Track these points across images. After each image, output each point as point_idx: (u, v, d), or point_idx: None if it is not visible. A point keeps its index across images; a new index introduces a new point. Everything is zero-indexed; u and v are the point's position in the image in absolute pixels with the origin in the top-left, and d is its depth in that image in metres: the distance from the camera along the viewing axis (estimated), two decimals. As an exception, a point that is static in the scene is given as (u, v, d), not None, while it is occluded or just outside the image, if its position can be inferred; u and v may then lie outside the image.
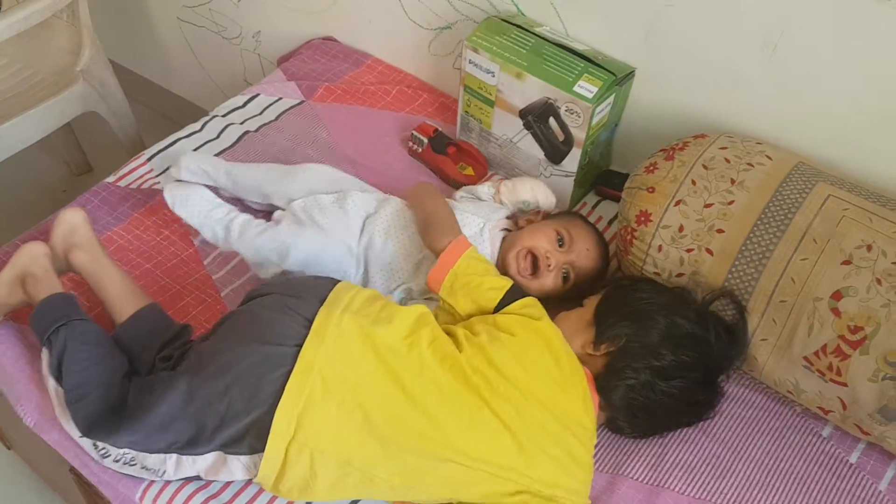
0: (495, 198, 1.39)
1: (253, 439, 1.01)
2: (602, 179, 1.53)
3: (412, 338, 1.06)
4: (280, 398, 1.00)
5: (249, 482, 1.10)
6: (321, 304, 1.09)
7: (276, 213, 1.37)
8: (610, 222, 1.48)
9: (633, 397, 1.07)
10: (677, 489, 1.11)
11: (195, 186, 1.37)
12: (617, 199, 1.51)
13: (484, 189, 1.41)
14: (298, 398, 1.00)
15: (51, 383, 1.10)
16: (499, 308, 1.15)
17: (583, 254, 1.27)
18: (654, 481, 1.11)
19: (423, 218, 1.27)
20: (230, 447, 1.03)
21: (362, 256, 1.31)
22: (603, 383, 1.09)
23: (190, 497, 1.09)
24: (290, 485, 1.02)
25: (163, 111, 2.53)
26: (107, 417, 1.06)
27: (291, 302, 1.09)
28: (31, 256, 1.21)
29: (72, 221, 1.27)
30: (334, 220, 1.31)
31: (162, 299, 1.33)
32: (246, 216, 1.34)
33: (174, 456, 1.05)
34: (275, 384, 1.01)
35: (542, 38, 1.41)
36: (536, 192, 1.37)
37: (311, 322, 1.06)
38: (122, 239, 1.43)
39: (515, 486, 1.02)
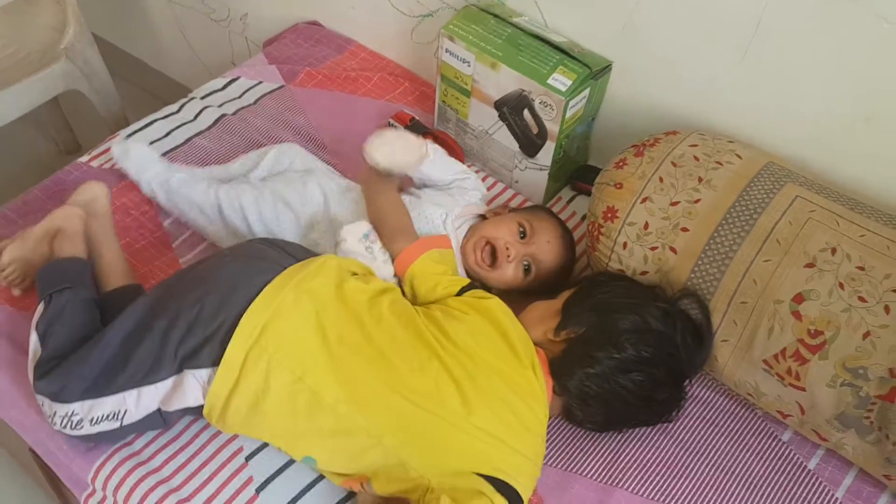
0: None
1: (216, 347, 1.02)
2: (578, 174, 1.52)
3: (376, 298, 1.09)
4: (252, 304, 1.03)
5: (200, 468, 1.10)
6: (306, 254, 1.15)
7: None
8: (583, 218, 1.47)
9: (588, 385, 1.06)
10: (630, 489, 1.10)
11: (138, 143, 1.44)
12: (590, 194, 1.50)
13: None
14: (270, 304, 1.03)
15: (33, 338, 1.11)
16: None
17: (543, 246, 1.26)
18: (607, 480, 1.11)
19: (376, 216, 1.25)
20: (191, 360, 1.03)
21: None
22: (559, 368, 1.08)
23: (142, 479, 1.09)
24: (239, 403, 1.01)
25: (151, 90, 2.52)
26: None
27: (274, 247, 1.15)
28: (67, 216, 1.25)
29: (95, 192, 1.32)
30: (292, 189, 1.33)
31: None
32: (185, 171, 1.40)
33: (135, 391, 1.04)
34: (251, 290, 1.04)
35: (519, 29, 1.40)
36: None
37: (294, 259, 1.11)
38: (93, 219, 1.42)
39: (459, 448, 1.00)
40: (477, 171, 1.54)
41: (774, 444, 1.15)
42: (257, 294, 1.03)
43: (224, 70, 2.24)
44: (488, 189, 1.51)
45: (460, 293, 1.15)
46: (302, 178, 1.36)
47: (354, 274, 1.13)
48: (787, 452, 1.15)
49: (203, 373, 1.03)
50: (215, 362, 1.01)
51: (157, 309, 1.06)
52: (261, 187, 1.34)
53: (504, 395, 1.02)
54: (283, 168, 1.43)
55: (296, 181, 1.35)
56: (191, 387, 1.03)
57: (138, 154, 1.41)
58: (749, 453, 1.14)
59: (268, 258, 1.10)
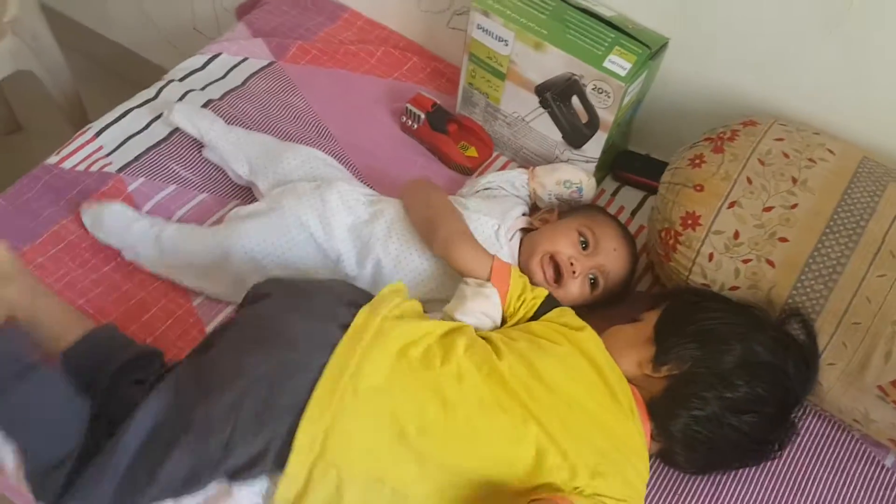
0: (531, 185, 1.23)
1: (268, 464, 0.85)
2: (621, 163, 1.37)
3: (447, 346, 0.92)
4: (303, 410, 0.84)
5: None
6: (347, 307, 0.93)
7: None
8: (633, 213, 1.33)
9: (696, 430, 0.93)
10: (733, 532, 0.99)
11: (109, 204, 1.18)
12: (637, 185, 1.36)
13: (515, 175, 1.24)
14: (326, 409, 0.84)
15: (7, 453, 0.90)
16: (535, 318, 1.02)
17: (611, 255, 1.13)
18: (708, 523, 1.00)
19: (428, 227, 1.10)
20: (238, 476, 0.86)
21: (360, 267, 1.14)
22: (661, 410, 0.95)
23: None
24: None
25: (101, 60, 2.24)
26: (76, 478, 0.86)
27: (307, 303, 0.94)
28: None
29: None
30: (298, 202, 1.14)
31: (124, 309, 1.14)
32: (176, 224, 1.17)
33: (170, 500, 0.86)
34: (296, 394, 0.85)
35: (565, 2, 1.22)
36: (579, 172, 1.23)
37: (341, 325, 0.90)
38: (72, 234, 1.21)
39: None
40: (507, 163, 1.39)
41: (879, 471, 1.06)
42: (305, 396, 0.84)
43: (185, 38, 2.02)
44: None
45: (542, 308, 1.01)
46: (318, 190, 1.16)
47: (400, 317, 0.94)
48: (892, 479, 1.05)
49: (257, 485, 0.86)
50: (271, 473, 0.85)
51: (180, 416, 0.85)
52: (267, 211, 1.15)
53: (609, 454, 0.89)
54: (288, 174, 1.23)
55: (310, 194, 1.16)
56: (241, 497, 0.86)
57: (111, 219, 1.16)
58: (853, 483, 1.05)
59: (308, 335, 0.90)
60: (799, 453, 1.07)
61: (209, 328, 1.12)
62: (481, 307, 1.00)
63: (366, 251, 1.12)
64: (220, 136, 1.27)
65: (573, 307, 1.10)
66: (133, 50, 2.17)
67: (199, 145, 1.32)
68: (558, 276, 1.11)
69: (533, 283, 1.11)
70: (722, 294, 1.05)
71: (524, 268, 1.13)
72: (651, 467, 1.02)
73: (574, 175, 1.23)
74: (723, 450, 0.95)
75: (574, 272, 1.10)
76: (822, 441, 1.09)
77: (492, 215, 1.16)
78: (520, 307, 1.02)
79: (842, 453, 1.08)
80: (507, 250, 1.13)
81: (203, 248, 1.14)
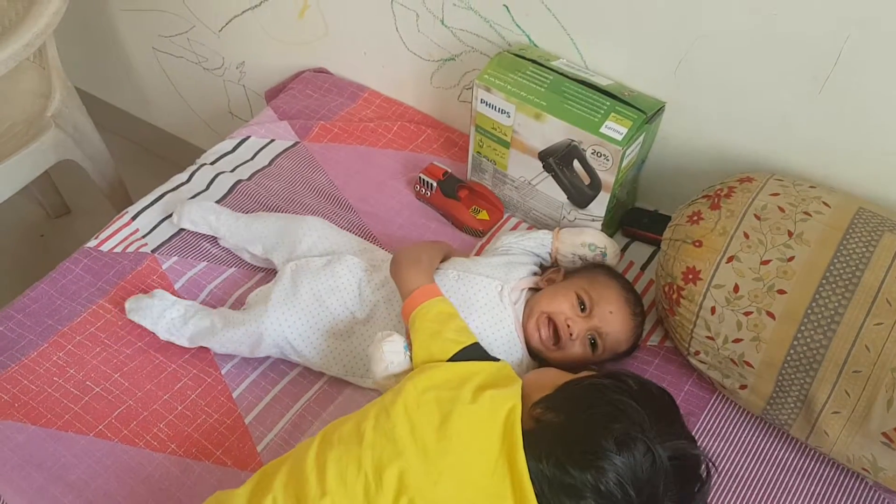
0: (554, 244, 1.28)
1: None
2: (629, 219, 1.41)
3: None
4: None
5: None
6: None
7: (250, 297, 1.26)
8: (643, 268, 1.36)
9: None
10: (749, 585, 1.00)
11: (149, 296, 1.25)
12: (646, 241, 1.40)
13: (542, 235, 1.29)
14: None
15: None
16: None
17: (606, 318, 1.14)
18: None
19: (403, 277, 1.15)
20: None
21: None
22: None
23: None
24: None
25: (143, 143, 2.38)
26: None
27: None
28: None
29: None
30: (320, 284, 1.21)
31: (157, 380, 1.21)
32: (206, 310, 1.23)
33: None
34: None
35: (561, 74, 1.29)
36: (603, 238, 1.27)
37: None
38: (109, 313, 1.29)
39: None
40: (518, 223, 1.44)
41: (895, 519, 1.06)
42: None
43: (221, 121, 2.15)
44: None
45: (461, 355, 1.02)
46: (330, 265, 1.23)
47: None
48: (909, 527, 1.05)
49: None
50: None
51: None
52: (289, 295, 1.20)
53: None
54: (305, 251, 1.29)
55: (323, 271, 1.22)
56: None
57: (149, 309, 1.23)
58: (869, 532, 1.04)
59: None
60: (813, 502, 1.07)
61: (235, 394, 1.18)
62: (383, 367, 1.06)
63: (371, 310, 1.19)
64: (229, 225, 1.35)
65: (581, 366, 1.13)
66: (172, 133, 2.31)
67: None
68: (557, 339, 1.14)
69: (530, 344, 1.14)
70: (637, 389, 0.97)
71: (525, 328, 1.16)
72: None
73: (599, 240, 1.26)
74: None
75: (571, 335, 1.13)
76: (836, 489, 1.08)
77: (494, 277, 1.18)
78: (434, 348, 1.03)
79: (856, 501, 1.07)
80: (510, 311, 1.16)
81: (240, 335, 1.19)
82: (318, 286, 1.20)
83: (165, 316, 1.21)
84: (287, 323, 1.17)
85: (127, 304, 1.24)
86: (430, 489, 0.89)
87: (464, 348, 1.04)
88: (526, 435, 0.91)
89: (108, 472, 1.10)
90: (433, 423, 0.92)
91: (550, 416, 0.94)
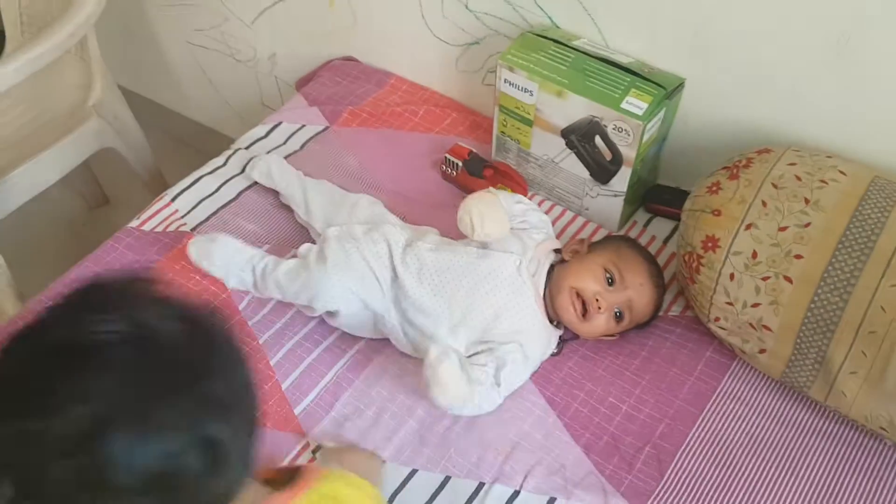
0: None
1: None
2: (651, 196, 1.45)
3: None
4: None
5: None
6: None
7: (302, 248, 1.29)
8: (665, 241, 1.40)
9: None
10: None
11: (217, 237, 1.31)
12: (668, 216, 1.43)
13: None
14: None
15: None
16: None
17: (637, 290, 1.18)
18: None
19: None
20: None
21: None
22: None
23: None
24: None
25: (179, 136, 2.45)
26: None
27: None
28: None
29: None
30: (364, 250, 1.23)
31: (197, 352, 1.26)
32: (271, 258, 1.28)
33: None
34: None
35: (583, 53, 1.33)
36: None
37: None
38: (151, 288, 1.35)
39: None
40: (542, 201, 1.48)
41: (912, 477, 1.08)
42: None
43: (253, 112, 2.21)
44: (556, 218, 1.44)
45: None
46: (369, 233, 1.26)
47: None
48: (927, 484, 1.07)
49: None
50: None
51: None
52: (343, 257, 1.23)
53: None
54: (342, 219, 1.34)
55: (364, 238, 1.25)
56: None
57: (221, 252, 1.29)
58: (888, 489, 1.07)
59: None
60: (830, 461, 1.10)
61: (273, 361, 1.24)
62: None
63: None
64: (286, 185, 1.43)
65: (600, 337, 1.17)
66: (206, 125, 2.38)
67: (262, 203, 1.48)
68: (584, 312, 1.18)
69: (562, 318, 1.19)
70: None
71: (554, 307, 1.20)
72: (688, 485, 1.07)
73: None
74: None
75: (599, 308, 1.17)
76: (854, 449, 1.11)
77: (511, 251, 1.22)
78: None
79: (874, 460, 1.10)
80: (530, 284, 1.19)
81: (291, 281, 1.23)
82: (364, 251, 1.23)
83: (235, 261, 1.27)
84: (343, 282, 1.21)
85: (192, 249, 1.30)
86: None
87: None
88: None
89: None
90: None
91: None
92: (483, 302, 1.17)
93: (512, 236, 1.26)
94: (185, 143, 2.43)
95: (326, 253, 1.22)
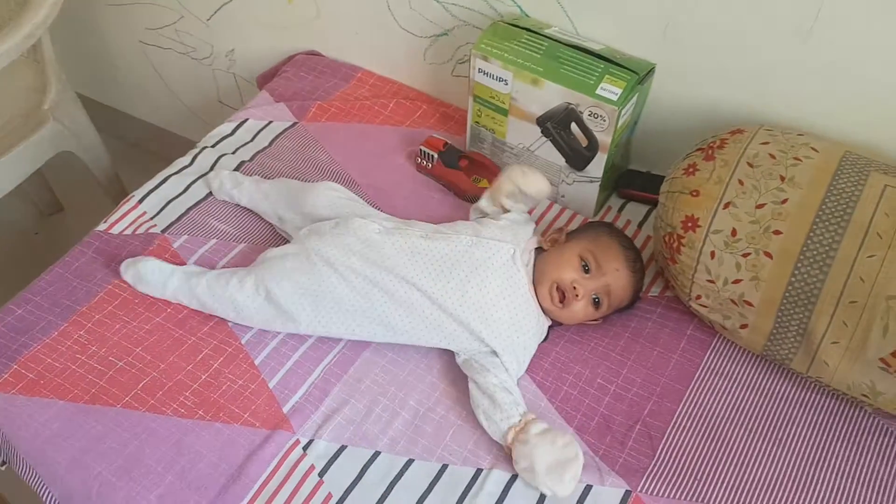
0: (496, 203, 1.33)
1: None
2: (624, 181, 1.47)
3: None
4: None
5: None
6: None
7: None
8: (639, 225, 1.42)
9: None
10: (763, 510, 1.05)
11: (144, 260, 1.30)
12: (641, 201, 1.46)
13: (483, 204, 1.34)
14: None
15: None
16: None
17: (613, 275, 1.20)
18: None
19: None
20: None
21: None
22: None
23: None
24: None
25: (134, 140, 2.40)
26: None
27: None
28: None
29: None
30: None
31: (179, 352, 1.24)
32: (212, 273, 1.27)
33: None
34: None
35: (555, 41, 1.34)
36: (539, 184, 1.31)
37: None
38: (125, 291, 1.31)
39: None
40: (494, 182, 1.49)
41: (893, 441, 1.12)
42: None
43: (210, 111, 2.17)
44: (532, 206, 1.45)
45: None
46: (337, 228, 1.25)
47: None
48: (906, 447, 1.12)
49: None
50: None
51: None
52: (296, 253, 1.24)
53: None
54: (316, 217, 1.33)
55: (330, 232, 1.24)
56: None
57: (150, 274, 1.29)
58: (870, 455, 1.11)
59: None
60: (814, 430, 1.13)
61: (258, 360, 1.22)
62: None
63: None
64: (249, 196, 1.42)
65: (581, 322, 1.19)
66: (162, 126, 2.33)
67: (231, 208, 1.45)
68: (563, 299, 1.20)
69: (542, 306, 1.20)
70: None
71: (537, 296, 1.21)
72: (674, 459, 1.09)
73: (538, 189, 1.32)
74: None
75: (577, 295, 1.18)
76: (836, 417, 1.15)
77: (506, 240, 1.23)
78: None
79: (855, 427, 1.14)
80: (524, 273, 1.21)
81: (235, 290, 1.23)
82: (324, 248, 1.22)
83: (168, 285, 1.27)
84: (290, 282, 1.21)
85: (126, 275, 1.29)
86: None
87: None
88: None
89: (139, 438, 1.13)
90: None
91: None
92: (478, 290, 1.17)
93: (505, 226, 1.28)
94: (141, 148, 2.38)
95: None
